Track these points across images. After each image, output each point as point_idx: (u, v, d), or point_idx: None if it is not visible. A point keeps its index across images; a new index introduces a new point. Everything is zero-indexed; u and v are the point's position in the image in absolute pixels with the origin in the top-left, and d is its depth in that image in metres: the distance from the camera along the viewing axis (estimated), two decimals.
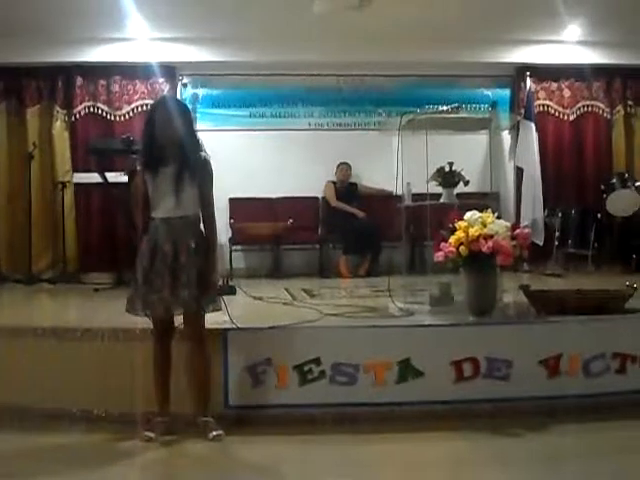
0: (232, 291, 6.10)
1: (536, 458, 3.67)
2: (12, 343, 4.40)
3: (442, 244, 4.61)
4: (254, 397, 4.23)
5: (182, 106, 4.09)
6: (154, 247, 3.85)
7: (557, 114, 9.52)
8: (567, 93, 9.50)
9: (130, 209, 4.28)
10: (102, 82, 8.99)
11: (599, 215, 8.45)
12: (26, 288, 7.76)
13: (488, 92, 9.62)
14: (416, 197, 5.73)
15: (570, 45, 9.09)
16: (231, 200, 8.97)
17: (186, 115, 3.99)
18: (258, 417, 4.20)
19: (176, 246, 3.82)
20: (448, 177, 5.54)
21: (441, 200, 5.56)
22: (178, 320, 3.96)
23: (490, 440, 3.92)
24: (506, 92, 9.66)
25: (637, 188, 8.35)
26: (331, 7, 7.40)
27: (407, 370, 4.24)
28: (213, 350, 4.07)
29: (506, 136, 9.59)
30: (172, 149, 3.87)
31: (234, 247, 8.75)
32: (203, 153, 3.98)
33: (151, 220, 3.92)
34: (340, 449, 3.85)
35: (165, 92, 8.78)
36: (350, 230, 8.71)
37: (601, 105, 9.52)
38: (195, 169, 3.90)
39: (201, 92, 9.35)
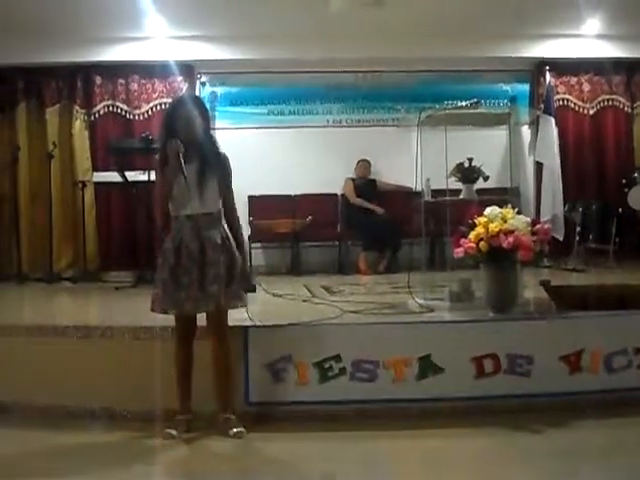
0: (252, 288, 6.10)
1: (557, 454, 3.66)
2: (34, 342, 4.44)
3: (462, 240, 4.60)
4: (274, 394, 4.25)
5: (201, 103, 4.10)
6: (179, 245, 3.86)
7: (577, 108, 9.45)
8: (587, 87, 9.44)
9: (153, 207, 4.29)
10: (121, 81, 9.02)
11: (620, 210, 8.40)
12: (47, 287, 7.81)
13: (507, 87, 9.58)
14: (435, 193, 5.71)
15: (589, 39, 9.02)
16: (250, 198, 8.98)
17: (205, 112, 4.02)
18: (278, 414, 4.21)
19: (202, 243, 3.84)
20: (467, 173, 5.52)
21: (461, 196, 5.53)
22: (199, 319, 3.98)
23: (511, 436, 3.91)
24: (525, 87, 9.60)
25: None
26: (348, 3, 7.39)
27: (427, 366, 4.24)
28: (234, 347, 4.08)
29: (526, 131, 9.56)
30: (193, 147, 3.88)
31: (253, 244, 8.75)
32: (221, 150, 4.01)
33: (174, 218, 3.92)
34: (361, 446, 3.85)
35: (184, 90, 8.79)
36: (369, 227, 8.70)
37: (621, 99, 9.45)
38: (216, 166, 3.92)
39: (220, 90, 9.37)
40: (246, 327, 4.22)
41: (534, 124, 9.26)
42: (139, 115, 9.04)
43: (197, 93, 9.00)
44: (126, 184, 7.81)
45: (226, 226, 3.97)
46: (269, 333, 4.29)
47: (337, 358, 4.23)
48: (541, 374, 4.27)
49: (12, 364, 4.38)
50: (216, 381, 3.96)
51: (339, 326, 4.46)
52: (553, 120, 9.04)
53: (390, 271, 8.38)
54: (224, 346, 3.96)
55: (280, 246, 9.07)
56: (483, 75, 9.45)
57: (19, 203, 8.69)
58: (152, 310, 3.93)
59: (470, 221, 4.62)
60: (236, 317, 4.10)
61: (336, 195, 9.35)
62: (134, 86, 9.04)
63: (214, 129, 8.74)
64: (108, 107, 9.02)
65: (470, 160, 5.53)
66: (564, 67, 9.37)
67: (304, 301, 5.83)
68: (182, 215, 3.89)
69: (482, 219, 4.55)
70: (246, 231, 8.47)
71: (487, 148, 7.22)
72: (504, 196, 5.17)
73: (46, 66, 8.76)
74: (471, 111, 5.43)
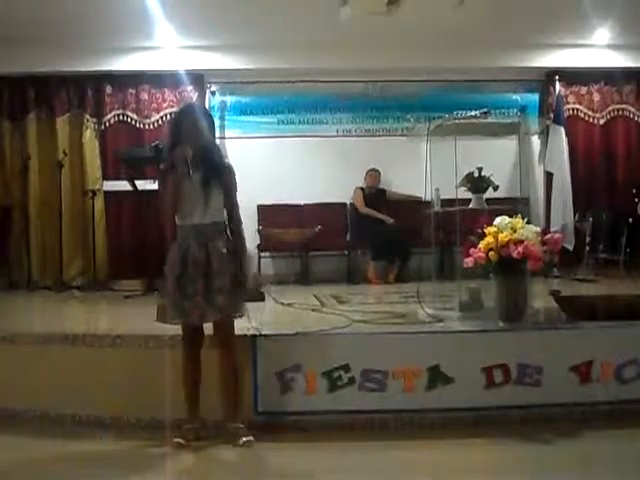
0: (261, 297, 6.10)
1: (568, 465, 3.65)
2: (43, 350, 4.45)
3: (471, 250, 4.59)
4: (283, 403, 4.24)
5: (207, 112, 4.12)
6: (185, 254, 3.85)
7: (587, 118, 9.44)
8: (597, 97, 9.43)
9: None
10: (131, 90, 9.06)
11: (631, 220, 8.35)
12: (56, 295, 7.82)
13: (517, 97, 9.55)
14: (445, 203, 5.69)
15: (599, 49, 9.02)
16: (259, 207, 8.99)
17: (211, 121, 4.04)
18: (287, 423, 4.20)
19: (208, 252, 3.84)
20: (477, 182, 5.51)
21: (470, 205, 5.52)
22: (206, 328, 3.97)
23: (521, 447, 3.89)
24: (535, 96, 9.59)
25: None
26: (358, 13, 7.39)
27: (437, 377, 4.23)
28: (242, 356, 4.08)
29: (535, 141, 9.55)
30: (198, 155, 3.89)
31: (263, 254, 8.76)
32: (226, 159, 4.02)
33: (180, 227, 3.92)
34: (370, 456, 3.84)
35: (193, 100, 8.81)
36: (379, 236, 8.68)
37: (632, 109, 9.44)
38: (221, 175, 3.93)
39: (229, 100, 9.38)
40: (254, 336, 4.22)
41: (544, 134, 9.27)
42: (149, 124, 9.07)
43: (207, 102, 9.04)
44: (136, 193, 7.83)
45: (230, 236, 3.97)
46: (278, 342, 4.28)
47: (346, 368, 4.22)
48: (551, 384, 4.26)
49: (22, 372, 4.39)
50: (224, 390, 3.97)
51: (348, 336, 4.46)
52: (563, 130, 9.05)
53: (399, 281, 8.36)
54: (231, 356, 3.96)
55: (289, 255, 9.05)
56: (493, 85, 9.44)
57: (29, 212, 8.72)
58: (158, 320, 3.93)
59: (480, 231, 4.62)
60: (244, 326, 4.09)
61: (345, 205, 9.34)
62: (144, 95, 9.07)
63: (224, 138, 8.79)
64: (118, 116, 9.05)
65: (480, 170, 5.52)
66: (574, 77, 9.37)
67: (313, 310, 5.82)
68: (188, 224, 3.89)
69: (492, 229, 4.55)
70: (255, 240, 8.49)
71: (497, 158, 7.23)
72: (514, 206, 5.15)
73: (57, 75, 8.81)
74: (481, 121, 5.42)
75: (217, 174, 3.92)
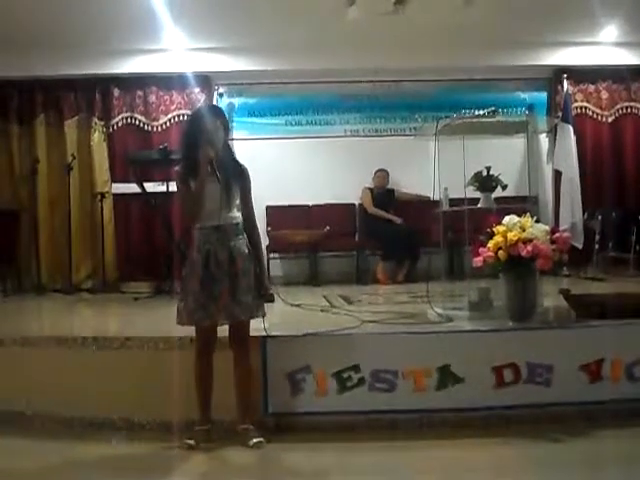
0: (271, 298, 6.09)
1: (578, 464, 3.64)
2: (53, 353, 4.46)
3: (481, 249, 4.59)
4: (293, 404, 4.24)
5: (222, 114, 4.12)
6: (207, 255, 3.86)
7: (595, 116, 9.42)
8: (605, 95, 9.41)
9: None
10: (139, 93, 9.09)
11: None
12: (66, 298, 7.84)
13: (525, 95, 9.55)
14: (454, 202, 5.69)
15: (607, 46, 9.00)
16: (268, 208, 8.99)
17: (226, 123, 4.05)
18: (297, 424, 4.20)
19: (231, 253, 3.85)
20: (486, 181, 5.50)
21: (479, 205, 5.51)
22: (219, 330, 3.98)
23: (532, 446, 3.89)
24: (543, 95, 9.58)
25: None
26: (365, 13, 7.39)
27: (447, 376, 4.22)
28: (252, 358, 4.08)
29: (544, 139, 9.54)
30: (219, 157, 3.90)
31: (271, 255, 8.77)
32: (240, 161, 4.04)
33: (199, 229, 3.93)
34: (380, 456, 3.84)
35: (201, 102, 8.82)
36: (388, 236, 8.68)
37: None
38: (238, 177, 3.94)
39: (237, 101, 9.41)
40: (265, 337, 4.21)
41: (552, 132, 9.23)
42: (157, 127, 9.09)
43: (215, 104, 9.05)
44: (144, 195, 7.84)
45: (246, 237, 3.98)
46: (288, 343, 4.28)
47: (356, 368, 4.22)
48: (561, 383, 4.24)
49: (32, 375, 4.40)
50: (237, 392, 3.97)
51: (358, 336, 4.45)
52: (571, 128, 9.02)
53: (409, 281, 8.36)
54: (246, 357, 3.97)
55: (298, 256, 9.06)
56: (500, 83, 9.43)
57: (38, 215, 8.74)
58: (179, 323, 3.92)
59: (489, 230, 4.61)
60: (254, 327, 4.09)
61: (354, 205, 9.35)
62: (152, 98, 9.09)
63: (232, 140, 8.77)
64: (126, 119, 9.08)
65: (488, 169, 5.51)
66: (582, 75, 9.35)
67: (322, 311, 5.83)
68: (209, 225, 3.89)
69: (501, 228, 4.54)
70: (264, 241, 8.48)
71: (505, 157, 7.21)
72: (523, 205, 5.14)
73: (65, 78, 8.84)
74: (489, 120, 5.41)
75: (234, 176, 3.94)
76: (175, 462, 3.78)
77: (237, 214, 3.95)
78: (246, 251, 3.90)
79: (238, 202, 3.96)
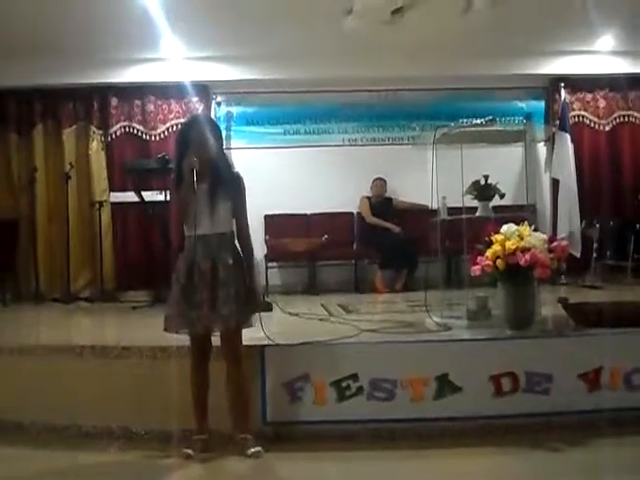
0: (268, 307, 6.10)
1: (577, 473, 3.63)
2: (51, 362, 4.45)
3: (479, 258, 4.59)
4: (292, 413, 4.23)
5: (213, 123, 4.12)
6: (191, 264, 3.86)
7: (592, 125, 9.44)
8: (602, 103, 9.42)
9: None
10: (137, 102, 9.09)
11: (638, 226, 8.34)
12: (64, 307, 7.83)
13: (522, 104, 9.57)
14: (452, 211, 5.69)
15: (604, 55, 9.01)
16: (266, 217, 9.01)
17: (218, 132, 4.03)
18: (296, 433, 4.19)
19: (214, 263, 3.84)
20: (484, 190, 5.50)
21: (477, 214, 5.52)
22: (215, 339, 3.97)
23: (530, 455, 3.88)
24: (540, 104, 9.60)
25: None
26: (363, 22, 7.41)
27: (445, 385, 4.22)
28: (250, 367, 4.08)
29: (541, 148, 9.54)
30: (206, 166, 3.88)
31: (269, 264, 8.77)
32: (235, 169, 4.02)
33: (187, 238, 3.93)
34: (378, 465, 3.83)
35: (199, 111, 8.83)
36: (386, 245, 8.69)
37: (637, 115, 9.42)
38: (228, 185, 3.92)
39: (235, 110, 9.42)
40: (263, 346, 4.21)
41: (550, 141, 9.24)
42: (155, 136, 9.09)
43: (213, 113, 9.08)
44: (143, 204, 7.84)
45: (238, 246, 3.97)
46: (286, 352, 4.28)
47: (354, 377, 4.21)
48: (560, 392, 4.24)
49: (29, 384, 4.39)
50: (232, 401, 3.95)
51: (356, 345, 4.45)
52: (569, 137, 9.03)
53: (407, 289, 8.36)
54: (238, 367, 3.94)
55: (296, 265, 9.06)
56: (498, 92, 9.44)
57: (36, 224, 8.75)
58: (165, 330, 3.92)
59: (487, 239, 4.61)
60: (252, 336, 4.09)
61: (352, 214, 9.36)
62: (150, 107, 9.10)
63: (230, 149, 8.79)
64: (125, 128, 9.08)
65: (486, 177, 5.52)
66: (579, 83, 9.37)
67: (321, 320, 5.83)
68: (194, 235, 3.87)
69: (499, 236, 4.54)
70: (262, 250, 8.50)
71: (503, 165, 7.21)
72: (520, 213, 5.15)
73: (63, 88, 8.85)
74: (486, 128, 5.43)
75: (224, 184, 3.91)
76: (173, 472, 3.77)
77: (225, 224, 3.92)
78: (230, 262, 3.86)
79: (229, 212, 3.94)
